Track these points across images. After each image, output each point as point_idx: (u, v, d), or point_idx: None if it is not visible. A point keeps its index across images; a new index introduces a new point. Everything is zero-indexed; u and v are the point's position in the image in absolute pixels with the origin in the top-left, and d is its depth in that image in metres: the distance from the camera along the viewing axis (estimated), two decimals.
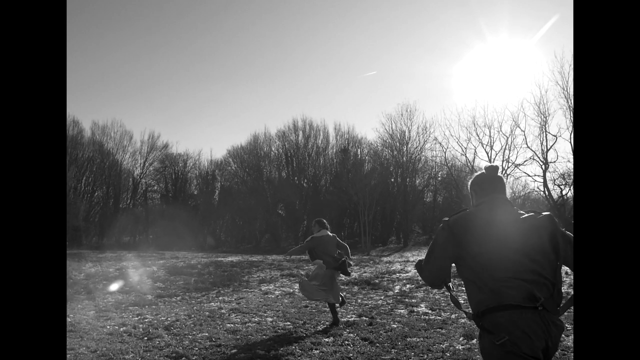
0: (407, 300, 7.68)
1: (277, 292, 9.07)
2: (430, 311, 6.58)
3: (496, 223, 1.90)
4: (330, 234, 5.92)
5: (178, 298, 8.33)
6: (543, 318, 1.75)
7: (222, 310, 6.81)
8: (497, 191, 2.02)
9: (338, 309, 6.01)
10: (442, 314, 6.38)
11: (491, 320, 1.80)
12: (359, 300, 7.76)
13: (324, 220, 6.07)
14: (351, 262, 5.88)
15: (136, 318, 6.17)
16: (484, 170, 2.10)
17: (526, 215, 1.95)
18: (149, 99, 61.18)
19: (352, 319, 6.04)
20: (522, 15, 52.17)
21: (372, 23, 62.33)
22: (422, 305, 7.10)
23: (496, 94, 46.26)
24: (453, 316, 6.16)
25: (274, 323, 5.82)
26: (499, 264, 1.82)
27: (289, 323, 5.78)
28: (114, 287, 9.85)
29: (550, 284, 1.83)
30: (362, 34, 62.28)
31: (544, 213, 1.96)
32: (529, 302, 1.76)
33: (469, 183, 2.15)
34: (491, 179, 2.06)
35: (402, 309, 6.82)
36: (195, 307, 7.17)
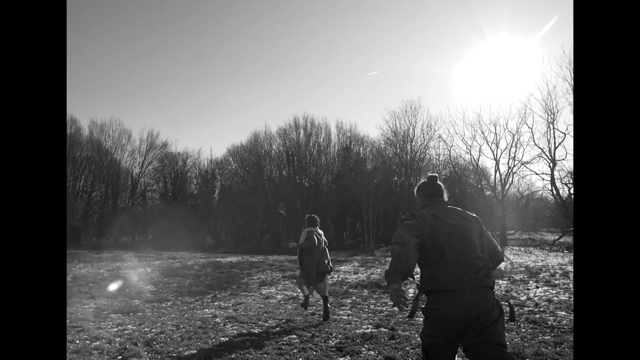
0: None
1: (279, 297, 8.18)
2: None
3: (440, 218, 2.35)
4: (319, 231, 6.06)
5: (169, 303, 7.44)
6: (478, 294, 2.19)
7: (217, 319, 5.91)
8: (437, 195, 2.51)
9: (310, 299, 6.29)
10: None
11: (434, 298, 2.26)
12: (372, 307, 6.87)
13: (315, 218, 6.12)
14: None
15: (115, 329, 5.27)
16: (426, 179, 2.59)
17: (460, 211, 2.44)
18: (148, 97, 60.44)
19: (369, 330, 5.12)
20: (523, 15, 51.37)
21: (373, 23, 61.62)
22: None
23: (498, 94, 45.45)
24: None
25: (277, 336, 4.90)
26: (446, 251, 2.24)
27: (294, 336, 4.86)
28: (101, 290, 8.97)
29: (485, 266, 2.26)
30: (363, 33, 61.57)
31: (473, 214, 2.48)
32: (464, 285, 2.20)
33: (416, 189, 2.62)
34: (432, 185, 2.54)
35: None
36: (186, 315, 6.27)
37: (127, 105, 57.53)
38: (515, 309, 6.48)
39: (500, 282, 9.97)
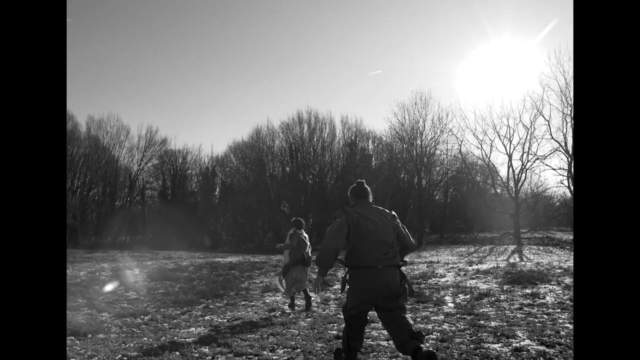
0: (484, 322, 5.09)
1: (287, 308, 6.50)
2: (545, 348, 3.96)
3: (364, 215, 3.22)
4: (304, 234, 6.69)
5: (146, 318, 5.77)
6: (389, 270, 3.12)
7: (204, 349, 4.19)
8: (364, 197, 3.39)
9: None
10: (569, 352, 3.77)
11: (356, 272, 3.18)
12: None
13: (301, 221, 6.77)
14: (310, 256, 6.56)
15: None
16: (356, 184, 3.46)
17: (380, 209, 3.32)
18: (147, 93, 58.98)
19: None
20: (525, 15, 50.07)
21: (378, 23, 60.27)
22: (520, 335, 4.48)
23: (505, 93, 43.97)
24: None
25: None
26: (366, 239, 3.14)
27: None
28: (67, 299, 7.33)
29: (393, 251, 3.18)
30: (367, 33, 60.16)
31: (391, 212, 3.40)
32: (378, 263, 3.12)
33: (349, 191, 3.48)
34: (360, 189, 3.43)
35: (494, 343, 4.21)
36: (163, 338, 4.58)
37: (125, 101, 56.06)
38: None
39: (549, 286, 8.28)
